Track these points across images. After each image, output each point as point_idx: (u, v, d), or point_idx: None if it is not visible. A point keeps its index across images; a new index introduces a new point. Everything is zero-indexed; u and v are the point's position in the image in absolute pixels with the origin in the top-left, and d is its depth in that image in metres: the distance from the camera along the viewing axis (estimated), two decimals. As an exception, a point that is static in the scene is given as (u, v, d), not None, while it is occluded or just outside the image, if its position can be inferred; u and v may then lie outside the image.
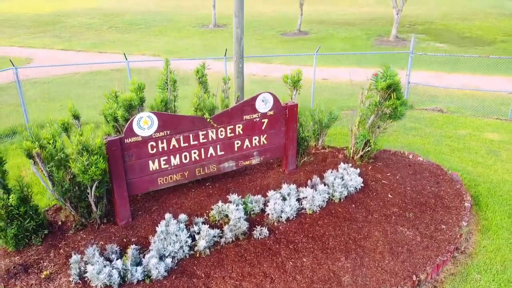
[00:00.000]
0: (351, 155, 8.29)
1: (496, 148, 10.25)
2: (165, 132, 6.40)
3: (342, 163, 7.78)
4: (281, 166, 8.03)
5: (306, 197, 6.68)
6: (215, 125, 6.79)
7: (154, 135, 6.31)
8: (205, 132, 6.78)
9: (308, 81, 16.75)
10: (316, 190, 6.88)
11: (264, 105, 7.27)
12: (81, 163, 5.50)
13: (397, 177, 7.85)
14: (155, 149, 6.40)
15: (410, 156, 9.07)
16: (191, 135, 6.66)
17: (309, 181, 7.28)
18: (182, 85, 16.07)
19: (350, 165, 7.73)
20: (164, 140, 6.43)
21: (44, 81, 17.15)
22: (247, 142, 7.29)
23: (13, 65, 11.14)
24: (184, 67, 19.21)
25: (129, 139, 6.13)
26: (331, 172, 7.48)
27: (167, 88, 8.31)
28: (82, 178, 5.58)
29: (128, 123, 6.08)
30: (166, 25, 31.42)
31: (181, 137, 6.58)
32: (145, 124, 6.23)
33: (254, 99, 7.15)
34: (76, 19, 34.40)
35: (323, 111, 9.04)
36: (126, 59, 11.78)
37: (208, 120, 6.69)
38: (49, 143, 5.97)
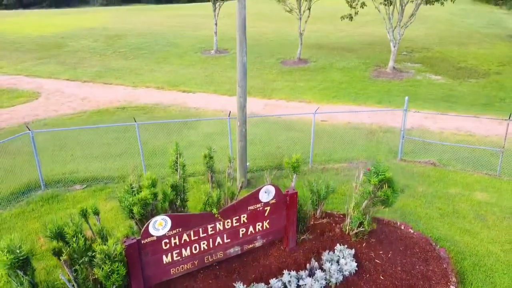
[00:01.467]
0: (347, 231, 8.96)
1: (484, 212, 10.92)
2: (177, 229, 7.08)
3: (338, 245, 8.44)
4: (282, 243, 8.69)
5: (306, 284, 7.37)
6: (223, 219, 7.48)
7: (167, 233, 7.00)
8: (213, 225, 7.46)
9: (307, 123, 17.53)
10: (314, 277, 7.56)
11: (266, 196, 7.95)
12: (104, 271, 6.18)
13: (389, 255, 8.50)
14: (168, 245, 7.09)
15: (402, 227, 9.74)
16: (200, 229, 7.34)
17: (307, 264, 7.96)
18: (188, 129, 16.81)
19: (346, 246, 8.40)
20: (177, 237, 7.11)
21: (54, 123, 17.80)
22: (251, 229, 7.96)
23: (29, 129, 11.78)
24: (190, 103, 19.83)
25: (146, 240, 6.82)
26: (328, 253, 8.15)
27: (177, 170, 8.94)
28: (105, 283, 6.26)
29: (144, 227, 6.76)
30: (169, 50, 32.08)
31: (192, 232, 7.26)
32: (159, 226, 6.91)
33: (257, 191, 7.83)
34: (79, 42, 35.07)
35: (321, 183, 9.66)
36: (135, 121, 12.42)
37: (216, 215, 7.37)
38: (73, 241, 6.60)
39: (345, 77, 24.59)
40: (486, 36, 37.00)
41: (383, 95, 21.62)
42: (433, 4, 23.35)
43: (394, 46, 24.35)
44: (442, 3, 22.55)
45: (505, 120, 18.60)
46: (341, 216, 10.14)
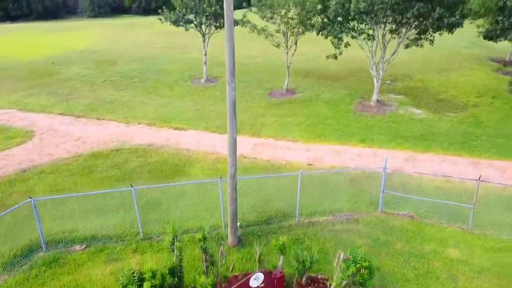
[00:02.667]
0: (330, 305, 9.87)
1: (455, 271, 11.93)
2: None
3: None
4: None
5: None
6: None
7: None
8: (208, 314, 8.30)
9: (295, 168, 18.43)
10: None
11: (256, 282, 8.82)
12: None
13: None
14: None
15: (380, 295, 10.70)
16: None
17: None
18: (181, 175, 17.55)
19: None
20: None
21: (50, 171, 18.43)
22: (243, 312, 8.83)
23: (30, 197, 12.46)
24: (182, 143, 20.25)
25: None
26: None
27: (173, 250, 9.74)
28: None
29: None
30: (159, 79, 32.74)
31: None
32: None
33: (248, 279, 8.71)
34: (70, 69, 35.52)
35: (306, 254, 10.55)
36: (132, 186, 13.17)
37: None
38: None
39: (331, 111, 25.57)
40: (466, 58, 38.33)
41: (367, 132, 22.63)
42: (411, 47, 24.43)
43: (377, 82, 25.42)
44: (421, 46, 23.62)
45: (480, 160, 19.79)
46: (325, 280, 11.08)
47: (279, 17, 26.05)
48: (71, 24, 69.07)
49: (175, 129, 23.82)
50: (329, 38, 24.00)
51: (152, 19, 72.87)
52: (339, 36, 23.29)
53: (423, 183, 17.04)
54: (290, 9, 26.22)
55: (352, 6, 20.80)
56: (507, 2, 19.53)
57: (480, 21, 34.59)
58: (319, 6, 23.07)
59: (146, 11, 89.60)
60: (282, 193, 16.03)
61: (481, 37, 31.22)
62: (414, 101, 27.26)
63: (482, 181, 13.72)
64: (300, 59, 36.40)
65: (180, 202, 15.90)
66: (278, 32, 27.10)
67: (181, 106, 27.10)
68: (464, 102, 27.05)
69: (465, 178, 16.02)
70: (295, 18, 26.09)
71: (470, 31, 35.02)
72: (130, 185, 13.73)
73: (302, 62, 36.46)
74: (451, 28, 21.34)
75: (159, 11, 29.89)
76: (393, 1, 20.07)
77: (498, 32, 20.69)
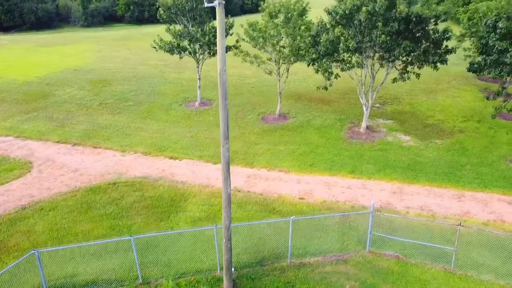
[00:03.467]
0: None
1: (437, 318, 12.71)
2: None
3: None
4: None
5: None
6: None
7: None
8: None
9: (287, 203, 19.18)
10: None
11: None
12: None
13: None
14: None
15: None
16: None
17: None
18: (177, 212, 18.15)
19: None
20: None
21: (50, 207, 18.97)
22: None
23: (34, 249, 13.03)
24: (177, 175, 20.59)
25: None
26: None
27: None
28: None
29: None
30: (154, 101, 33.32)
31: None
32: None
33: None
34: (65, 90, 35.97)
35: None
36: (131, 235, 13.79)
37: None
38: None
39: (322, 139, 26.32)
40: (454, 77, 39.36)
41: (356, 162, 23.41)
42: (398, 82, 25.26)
43: (367, 110, 26.24)
44: (408, 78, 24.46)
45: (464, 192, 20.63)
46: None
47: (271, 46, 26.76)
48: (64, 36, 69.27)
49: (170, 158, 24.43)
50: (319, 70, 24.76)
51: (145, 30, 73.46)
52: (329, 70, 24.06)
53: (409, 223, 17.78)
54: (282, 38, 26.95)
55: (341, 44, 21.60)
56: (489, 41, 20.42)
57: (466, 43, 35.68)
58: (309, 39, 23.77)
59: (139, 20, 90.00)
60: (274, 232, 16.72)
61: (467, 60, 32.20)
62: (403, 126, 28.11)
63: (462, 226, 14.53)
64: (293, 78, 37.23)
65: (177, 243, 16.53)
66: (270, 60, 27.83)
67: (176, 133, 27.69)
68: (451, 127, 27.94)
69: (447, 223, 16.80)
70: (286, 47, 26.84)
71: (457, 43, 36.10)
72: (129, 234, 14.33)
73: (294, 82, 37.27)
74: (435, 64, 22.19)
75: (153, 42, 30.39)
76: (380, 41, 20.89)
77: (482, 67, 21.56)
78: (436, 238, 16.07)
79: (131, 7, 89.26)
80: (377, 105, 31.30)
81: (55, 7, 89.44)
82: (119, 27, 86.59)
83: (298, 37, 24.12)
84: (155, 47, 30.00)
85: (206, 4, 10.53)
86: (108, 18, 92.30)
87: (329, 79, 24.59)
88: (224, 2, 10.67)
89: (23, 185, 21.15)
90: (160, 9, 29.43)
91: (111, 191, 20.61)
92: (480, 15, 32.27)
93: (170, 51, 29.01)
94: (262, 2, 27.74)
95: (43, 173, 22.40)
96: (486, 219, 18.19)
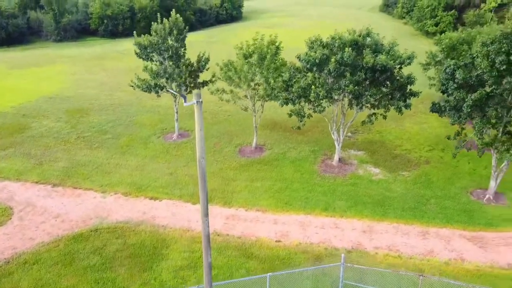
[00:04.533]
0: None
1: None
2: None
3: None
4: None
5: None
6: None
7: None
8: None
9: (265, 247, 20.20)
10: None
11: None
12: None
13: None
14: None
15: None
16: None
17: None
18: (160, 261, 18.91)
19: None
20: None
21: (33, 260, 19.42)
22: None
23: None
24: (158, 219, 21.13)
25: None
26: None
27: None
28: None
29: None
30: (132, 133, 33.82)
31: None
32: None
33: None
34: (42, 122, 36.04)
35: None
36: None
37: None
38: None
39: (297, 173, 27.50)
40: (421, 100, 41.07)
41: (329, 199, 24.69)
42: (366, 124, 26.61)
43: (338, 145, 27.59)
44: (376, 119, 25.88)
45: (428, 228, 22.12)
46: None
47: (246, 85, 27.73)
48: (37, 54, 68.27)
49: (151, 198, 25.13)
50: (292, 114, 25.96)
51: (119, 46, 73.30)
52: (302, 113, 25.28)
53: (378, 260, 19.12)
54: (256, 75, 27.95)
55: (312, 92, 22.85)
56: (448, 89, 21.97)
57: (431, 72, 37.60)
58: (281, 84, 24.88)
59: (114, 34, 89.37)
60: (253, 283, 17.72)
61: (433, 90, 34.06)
62: (373, 158, 29.59)
63: (423, 276, 15.89)
64: (268, 105, 38.22)
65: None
66: (245, 97, 28.83)
67: (155, 169, 28.34)
68: (417, 157, 29.61)
69: (410, 273, 18.06)
70: (261, 86, 27.89)
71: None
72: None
73: (270, 109, 38.29)
74: (400, 109, 23.70)
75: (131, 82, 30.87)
76: (349, 90, 22.27)
77: (442, 111, 23.13)
78: (402, 286, 17.39)
79: (105, 21, 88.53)
80: (349, 134, 32.71)
81: (26, 22, 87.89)
82: (92, 41, 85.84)
83: (272, 81, 25.22)
84: (132, 86, 30.54)
85: (185, 104, 11.45)
86: (81, 32, 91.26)
87: (301, 121, 25.76)
88: (201, 100, 11.61)
89: (5, 236, 21.46)
90: (135, 47, 29.97)
91: (94, 239, 21.18)
92: (443, 46, 34.21)
93: (148, 90, 29.63)
94: (238, 44, 28.56)
95: (24, 221, 22.73)
96: (448, 258, 19.70)
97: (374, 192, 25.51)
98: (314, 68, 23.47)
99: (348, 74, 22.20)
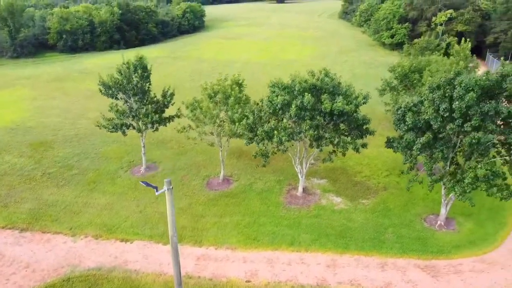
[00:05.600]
0: None
1: None
2: None
3: None
4: None
5: None
6: None
7: None
8: None
9: (236, 286, 21.20)
10: None
11: None
12: None
13: None
14: None
15: None
16: None
17: None
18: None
19: None
20: None
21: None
22: None
23: None
24: (130, 262, 22.05)
25: None
26: None
27: None
28: None
29: None
30: (99, 168, 33.93)
31: None
32: None
33: None
34: (4, 158, 35.46)
35: None
36: None
37: None
38: None
39: (263, 206, 28.67)
40: (380, 121, 43.41)
41: (295, 232, 26.00)
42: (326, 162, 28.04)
43: (302, 177, 28.98)
44: (336, 156, 27.42)
45: (386, 259, 23.80)
46: None
47: (211, 123, 28.56)
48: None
49: (122, 240, 25.56)
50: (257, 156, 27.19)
51: (80, 64, 72.21)
52: (266, 155, 26.50)
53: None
54: (221, 112, 28.86)
55: (275, 138, 24.11)
56: (400, 131, 23.77)
57: (387, 98, 39.77)
58: (245, 126, 25.92)
59: (73, 49, 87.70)
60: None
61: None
62: (335, 186, 31.21)
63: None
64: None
65: None
66: (211, 134, 29.69)
67: (124, 208, 28.71)
68: (376, 184, 31.49)
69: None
70: (226, 121, 28.85)
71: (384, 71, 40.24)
72: None
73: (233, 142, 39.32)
74: (357, 149, 25.40)
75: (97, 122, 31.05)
76: (309, 137, 23.74)
77: (396, 148, 24.96)
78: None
79: (64, 36, 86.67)
80: (312, 161, 34.19)
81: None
82: (52, 57, 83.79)
83: (236, 124, 26.28)
84: (98, 126, 30.75)
85: (157, 193, 12.30)
86: (39, 47, 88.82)
87: (265, 161, 26.90)
88: (171, 187, 12.49)
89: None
90: (99, 87, 30.16)
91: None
92: (397, 74, 36.37)
93: (115, 130, 29.94)
94: (202, 84, 29.32)
95: None
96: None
97: (336, 223, 27.05)
98: (277, 113, 24.80)
99: (308, 120, 23.60)
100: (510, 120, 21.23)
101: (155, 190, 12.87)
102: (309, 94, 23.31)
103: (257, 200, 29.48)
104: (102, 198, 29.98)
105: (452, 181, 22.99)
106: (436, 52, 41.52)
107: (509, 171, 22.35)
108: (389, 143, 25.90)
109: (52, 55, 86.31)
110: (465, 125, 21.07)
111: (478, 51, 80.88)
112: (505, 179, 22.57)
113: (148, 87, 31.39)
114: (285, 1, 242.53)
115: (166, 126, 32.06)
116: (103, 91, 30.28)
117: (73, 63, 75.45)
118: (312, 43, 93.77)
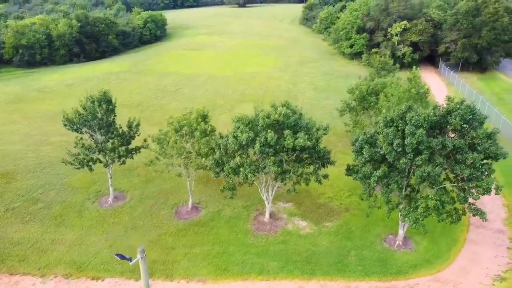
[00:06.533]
0: None
1: None
2: None
3: None
4: None
5: None
6: None
7: None
8: None
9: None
10: None
11: None
12: None
13: None
14: None
15: None
16: None
17: None
18: None
19: None
20: None
21: None
22: None
23: None
24: None
25: None
26: None
27: None
28: None
29: None
30: (65, 200, 33.66)
31: None
32: None
33: None
34: (-35, 193, 34.54)
35: None
36: None
37: None
38: None
39: (232, 234, 29.56)
40: (341, 138, 45.24)
41: (263, 260, 27.06)
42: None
43: (268, 203, 30.08)
44: (300, 185, 28.70)
45: (349, 283, 25.16)
46: None
47: (178, 156, 29.12)
48: None
49: (92, 279, 25.74)
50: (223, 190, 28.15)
51: (38, 81, 70.38)
52: (233, 188, 27.41)
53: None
54: (188, 143, 29.49)
55: (241, 174, 25.09)
56: (358, 163, 25.32)
57: (347, 119, 41.54)
58: (212, 162, 26.76)
59: (31, 64, 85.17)
60: None
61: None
62: (300, 209, 32.52)
63: None
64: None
65: None
66: (179, 166, 30.22)
67: (93, 243, 28.78)
68: (338, 205, 33.06)
69: None
70: (192, 152, 29.48)
71: (346, 82, 41.98)
72: None
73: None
74: (320, 181, 26.72)
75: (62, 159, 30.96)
76: (273, 171, 24.97)
77: (355, 177, 26.53)
78: None
79: (20, 50, 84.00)
80: (277, 185, 35.36)
81: None
82: (8, 73, 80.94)
83: (203, 159, 27.03)
84: (63, 162, 30.63)
85: (131, 263, 12.94)
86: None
87: (232, 194, 27.75)
88: (145, 255, 13.17)
89: None
90: (64, 122, 30.00)
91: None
92: (355, 97, 38.16)
93: (81, 166, 29.94)
94: (168, 119, 29.74)
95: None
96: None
97: (302, 248, 28.31)
98: (243, 150, 25.84)
99: (271, 156, 24.76)
100: (455, 152, 23.12)
101: (129, 261, 13.42)
102: (272, 132, 24.42)
103: (225, 228, 30.32)
104: (70, 233, 29.89)
105: (406, 208, 24.73)
106: (391, 73, 43.62)
107: (457, 198, 24.27)
108: (349, 171, 27.40)
109: (8, 70, 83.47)
110: (416, 159, 22.79)
111: (432, 59, 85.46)
112: (454, 203, 24.55)
113: (113, 119, 31.47)
114: (246, 5, 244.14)
115: (133, 159, 32.25)
116: (68, 127, 30.11)
117: (31, 79, 73.31)
118: (274, 53, 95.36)
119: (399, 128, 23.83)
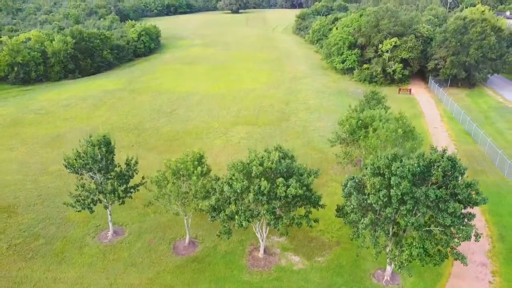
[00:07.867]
0: None
1: None
2: None
3: None
4: None
5: None
6: None
7: None
8: None
9: None
10: None
11: None
12: None
13: None
14: None
15: None
16: None
17: None
18: None
19: None
20: None
21: None
22: None
23: None
24: None
25: None
26: None
27: None
28: None
29: None
30: (66, 235, 34.70)
31: None
32: None
33: None
34: (-33, 228, 35.46)
35: None
36: None
37: None
38: None
39: (228, 271, 30.83)
40: (332, 164, 46.60)
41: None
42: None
43: (262, 241, 31.39)
44: (292, 227, 30.03)
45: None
46: None
47: (176, 197, 30.33)
48: None
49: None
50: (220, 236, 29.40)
51: (36, 101, 71.14)
52: (228, 231, 28.68)
53: None
54: (184, 182, 30.70)
55: (236, 222, 26.47)
56: (347, 208, 26.77)
57: (337, 148, 42.97)
58: (208, 207, 28.05)
59: (26, 81, 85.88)
60: None
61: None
62: (292, 243, 33.85)
63: None
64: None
65: None
66: (176, 206, 31.42)
67: (94, 281, 29.89)
68: (329, 239, 34.44)
69: None
70: (189, 192, 30.71)
71: (338, 98, 43.58)
72: None
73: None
74: (311, 225, 28.17)
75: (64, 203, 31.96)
76: (267, 219, 26.38)
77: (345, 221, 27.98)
78: None
79: (15, 68, 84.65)
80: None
81: None
82: (3, 91, 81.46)
83: (200, 203, 28.32)
84: (65, 204, 31.72)
85: None
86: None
87: (228, 237, 29.01)
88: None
89: None
90: (65, 165, 31.08)
91: None
92: (345, 130, 39.59)
93: (83, 208, 31.03)
94: (165, 162, 30.95)
95: None
96: None
97: (295, 285, 29.65)
98: (237, 198, 27.20)
99: (265, 204, 26.13)
100: (438, 201, 24.57)
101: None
102: (265, 181, 25.77)
103: (221, 265, 31.57)
104: (71, 271, 30.96)
105: (393, 251, 26.17)
106: (380, 105, 45.13)
107: (439, 241, 25.72)
108: (339, 212, 28.81)
109: (3, 88, 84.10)
110: (401, 208, 24.23)
111: (422, 75, 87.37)
112: (437, 244, 26.00)
113: (113, 157, 32.55)
114: (239, 11, 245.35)
115: (131, 198, 33.42)
116: (69, 170, 31.19)
117: (27, 99, 74.07)
118: (268, 67, 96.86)
119: (386, 177, 25.26)
